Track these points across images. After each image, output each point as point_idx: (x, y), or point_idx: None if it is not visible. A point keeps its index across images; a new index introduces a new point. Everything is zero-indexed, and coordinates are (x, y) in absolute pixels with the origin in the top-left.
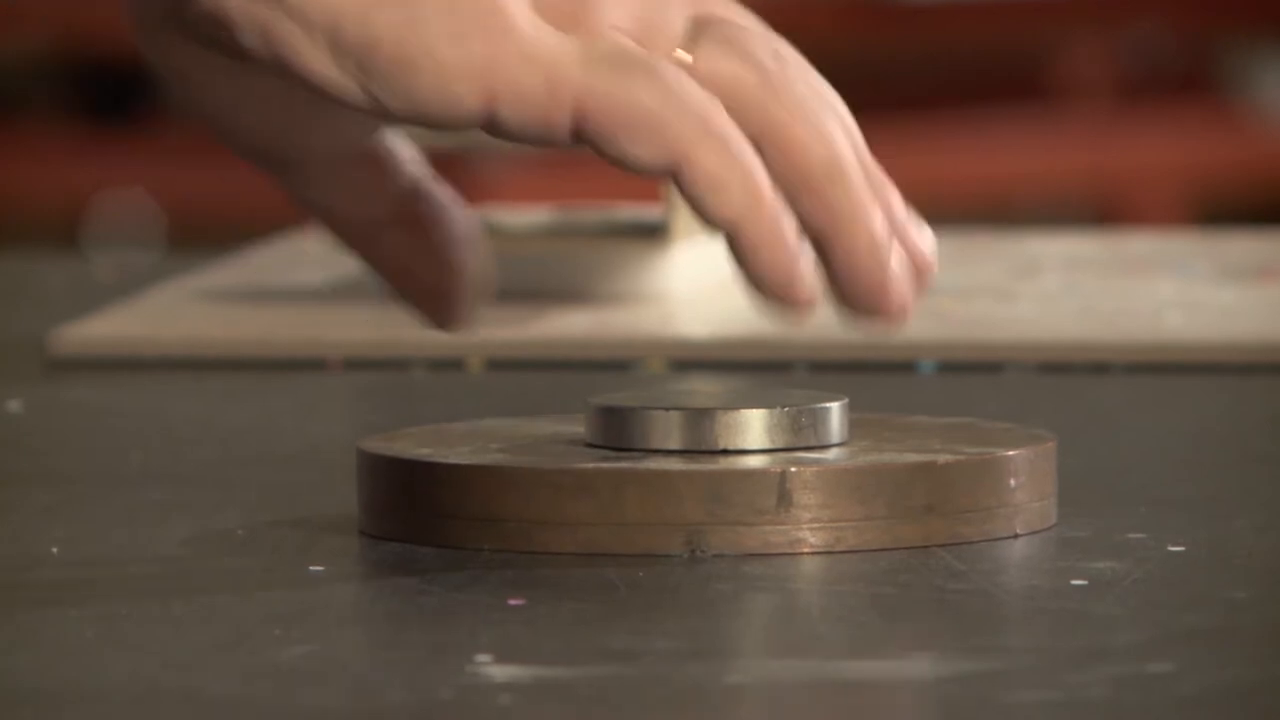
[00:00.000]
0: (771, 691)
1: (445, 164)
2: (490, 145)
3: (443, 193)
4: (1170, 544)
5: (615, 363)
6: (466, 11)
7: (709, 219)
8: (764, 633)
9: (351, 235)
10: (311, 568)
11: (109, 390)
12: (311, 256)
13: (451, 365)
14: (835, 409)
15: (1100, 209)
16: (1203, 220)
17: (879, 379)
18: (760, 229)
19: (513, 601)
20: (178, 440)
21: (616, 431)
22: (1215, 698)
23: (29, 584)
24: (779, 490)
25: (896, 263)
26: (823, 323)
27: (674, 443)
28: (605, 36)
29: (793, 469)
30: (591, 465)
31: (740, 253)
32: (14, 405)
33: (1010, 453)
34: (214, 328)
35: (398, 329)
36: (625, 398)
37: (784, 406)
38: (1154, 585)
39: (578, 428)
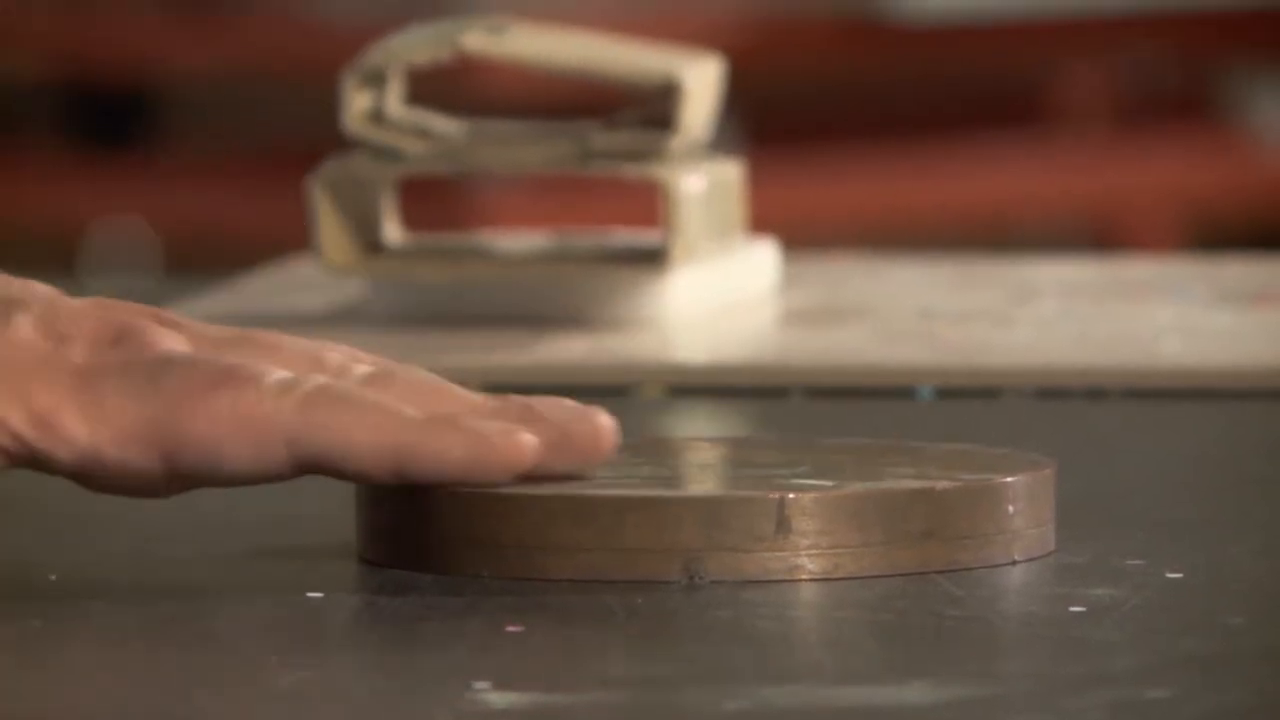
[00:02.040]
0: (770, 718)
1: (442, 189)
2: (486, 169)
3: None
4: (1168, 569)
5: (613, 388)
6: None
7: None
8: (762, 659)
9: None
10: (310, 594)
11: None
12: (309, 281)
13: None
14: None
15: (1097, 233)
16: (1199, 245)
17: (877, 404)
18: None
19: (511, 628)
20: None
21: None
22: None
23: (28, 610)
24: (778, 516)
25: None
26: (820, 348)
27: None
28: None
29: (791, 495)
30: (590, 491)
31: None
32: None
33: (1008, 479)
34: None
35: (395, 354)
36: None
37: None
38: (1152, 611)
39: None
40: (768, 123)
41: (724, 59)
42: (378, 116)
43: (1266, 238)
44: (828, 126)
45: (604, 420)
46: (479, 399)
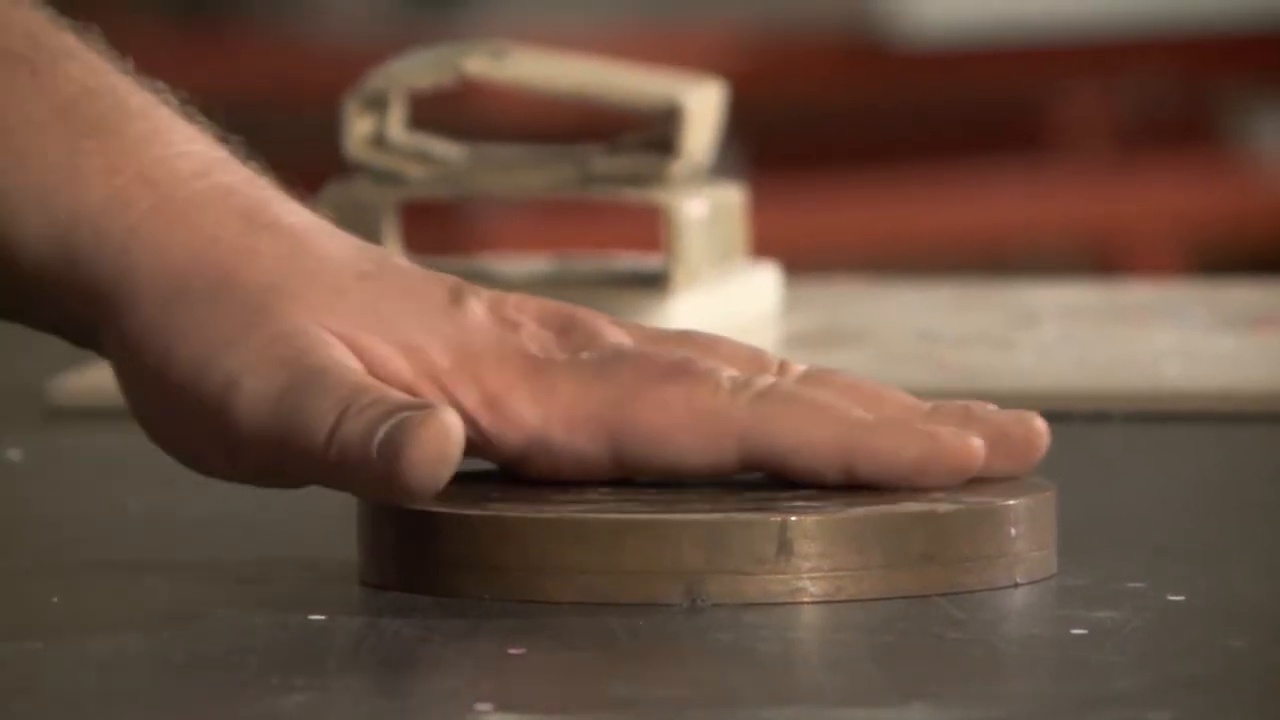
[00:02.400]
0: None
1: (444, 213)
2: (488, 193)
3: None
4: (1169, 593)
5: None
6: None
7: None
8: (764, 681)
9: None
10: (311, 616)
11: (108, 439)
12: None
13: None
14: None
15: (1098, 258)
16: (1200, 269)
17: None
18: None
19: (513, 650)
20: (177, 489)
21: None
22: None
23: (29, 633)
24: (779, 539)
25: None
26: None
27: None
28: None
29: (793, 518)
30: (591, 514)
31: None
32: (13, 454)
33: (1010, 502)
34: None
35: None
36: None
37: None
38: (1153, 634)
39: None
40: (768, 147)
41: (725, 83)
42: (379, 140)
43: (1267, 262)
44: (828, 151)
45: (1039, 423)
46: (915, 402)
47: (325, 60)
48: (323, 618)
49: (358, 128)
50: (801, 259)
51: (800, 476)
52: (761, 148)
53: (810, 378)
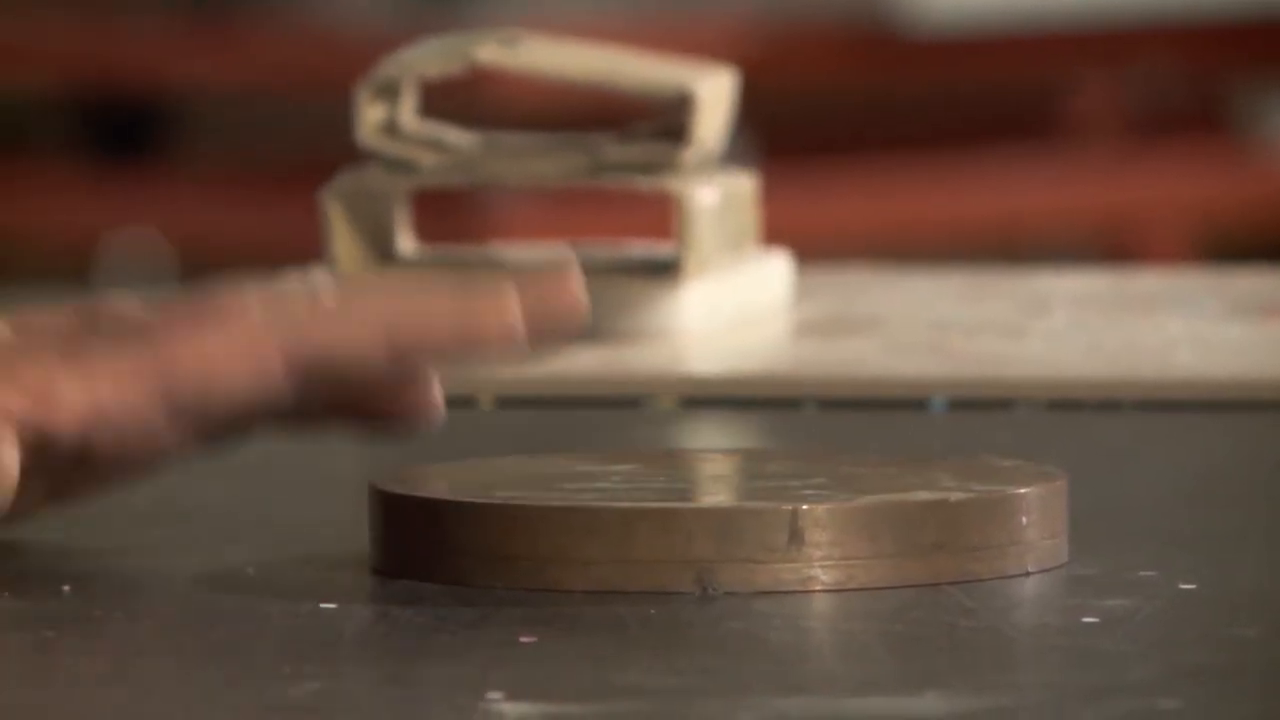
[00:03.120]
0: None
1: (455, 201)
2: (500, 181)
3: None
4: (1181, 582)
5: (626, 400)
6: None
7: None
8: (775, 670)
9: None
10: (323, 604)
11: None
12: None
13: (461, 402)
14: None
15: (1109, 246)
16: (1211, 257)
17: (889, 416)
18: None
19: (524, 639)
20: (188, 477)
21: None
22: None
23: (40, 622)
24: (790, 528)
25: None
26: (833, 360)
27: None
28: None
29: (804, 506)
30: (602, 503)
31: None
32: None
33: (1021, 490)
34: None
35: None
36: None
37: None
38: (1164, 623)
39: (588, 465)
40: (780, 135)
41: (736, 71)
42: (391, 128)
43: (1278, 250)
44: (840, 139)
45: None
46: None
47: (336, 49)
48: (334, 606)
49: (369, 116)
50: (813, 247)
51: (351, 369)
52: (773, 136)
53: (329, 293)
